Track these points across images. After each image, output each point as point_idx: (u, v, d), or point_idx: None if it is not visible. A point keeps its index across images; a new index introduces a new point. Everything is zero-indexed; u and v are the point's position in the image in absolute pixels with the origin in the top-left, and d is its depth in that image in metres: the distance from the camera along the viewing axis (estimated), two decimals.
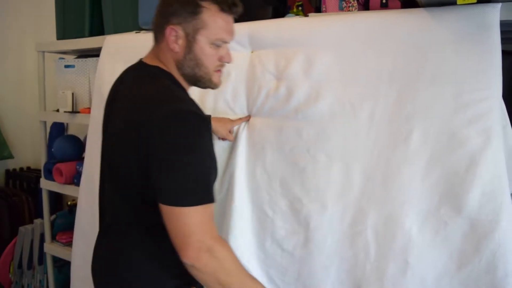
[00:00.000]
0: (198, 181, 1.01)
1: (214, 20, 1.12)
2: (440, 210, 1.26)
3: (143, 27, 1.85)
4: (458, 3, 1.18)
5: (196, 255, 0.97)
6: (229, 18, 1.17)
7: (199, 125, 1.04)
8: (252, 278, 1.09)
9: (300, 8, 1.62)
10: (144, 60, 1.20)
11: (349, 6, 1.51)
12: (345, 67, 1.39)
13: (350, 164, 1.37)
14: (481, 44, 1.24)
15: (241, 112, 1.57)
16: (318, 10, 1.57)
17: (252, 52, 1.56)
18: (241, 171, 1.53)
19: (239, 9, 1.17)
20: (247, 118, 1.55)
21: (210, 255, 0.98)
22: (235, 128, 1.56)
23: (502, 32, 1.27)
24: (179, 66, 1.15)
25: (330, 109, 1.39)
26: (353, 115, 1.36)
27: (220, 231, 1.52)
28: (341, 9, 1.52)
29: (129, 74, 1.22)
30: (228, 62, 1.22)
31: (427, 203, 1.28)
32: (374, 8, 1.46)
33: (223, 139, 1.55)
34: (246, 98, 1.55)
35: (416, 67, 1.30)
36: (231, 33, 1.19)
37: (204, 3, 1.11)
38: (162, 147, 1.00)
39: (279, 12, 1.66)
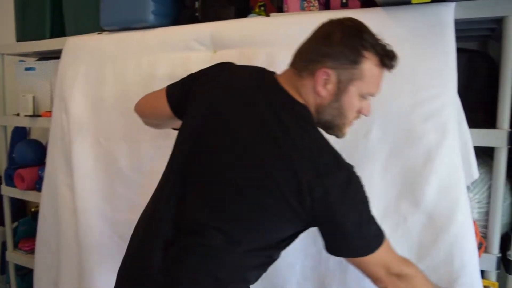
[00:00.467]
0: (376, 224, 1.04)
1: (371, 73, 1.03)
2: (400, 205, 1.30)
3: (105, 28, 1.83)
4: (412, 2, 1.21)
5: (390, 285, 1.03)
6: (384, 72, 1.08)
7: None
8: None
9: (262, 8, 1.64)
10: (284, 86, 1.07)
11: (310, 6, 1.53)
12: None
13: None
14: (436, 42, 1.28)
15: None
16: (280, 10, 1.58)
17: (215, 52, 1.57)
18: None
19: (396, 63, 1.08)
20: None
21: (400, 280, 1.04)
22: None
23: (457, 31, 1.31)
24: (320, 111, 1.05)
25: None
26: None
27: None
28: (302, 9, 1.54)
29: (262, 94, 1.07)
30: (365, 115, 1.13)
31: (387, 198, 1.31)
32: (335, 8, 1.49)
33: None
34: None
35: None
36: (380, 87, 1.10)
37: (366, 53, 1.01)
38: (347, 212, 0.99)
39: (242, 12, 1.66)
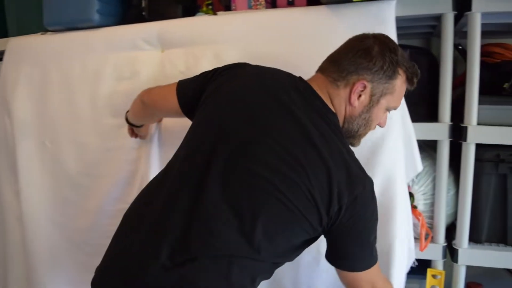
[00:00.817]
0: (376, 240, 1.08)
1: (400, 89, 1.09)
2: None
3: (49, 28, 1.77)
4: (354, 0, 1.24)
5: None
6: (404, 88, 1.13)
7: None
8: None
9: (210, 6, 1.63)
10: (318, 92, 1.07)
11: (257, 4, 1.54)
12: (253, 62, 1.40)
13: None
14: None
15: None
16: (227, 8, 1.58)
17: (162, 51, 1.54)
18: (154, 174, 1.50)
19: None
20: (159, 120, 1.53)
21: None
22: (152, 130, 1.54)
23: (401, 28, 1.35)
24: (349, 120, 1.08)
25: None
26: None
27: None
28: (249, 7, 1.54)
29: (298, 97, 1.06)
30: (381, 127, 1.17)
31: None
32: (281, 6, 1.50)
33: (140, 137, 1.51)
34: None
35: (317, 60, 1.33)
36: (401, 100, 1.16)
37: (400, 70, 1.07)
38: (367, 223, 1.03)
39: (189, 11, 1.65)
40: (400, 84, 1.08)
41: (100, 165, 1.62)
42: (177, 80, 1.48)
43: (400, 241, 1.26)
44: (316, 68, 1.23)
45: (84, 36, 1.65)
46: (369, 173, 1.26)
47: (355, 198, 0.98)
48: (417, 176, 1.44)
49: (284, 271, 1.36)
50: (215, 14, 1.58)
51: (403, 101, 1.33)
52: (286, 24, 1.41)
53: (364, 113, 1.07)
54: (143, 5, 1.65)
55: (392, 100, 1.09)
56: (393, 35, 1.30)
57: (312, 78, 1.13)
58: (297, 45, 1.38)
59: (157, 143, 1.53)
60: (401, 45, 1.33)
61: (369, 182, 1.03)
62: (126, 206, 1.18)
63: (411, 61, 1.55)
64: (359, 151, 1.28)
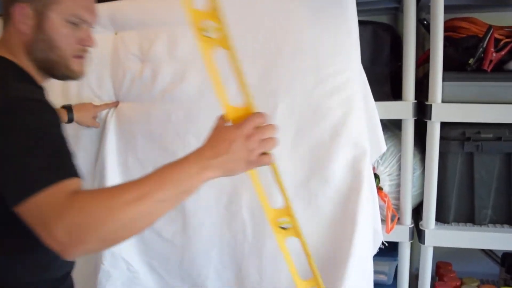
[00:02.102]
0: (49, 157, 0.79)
1: None
2: (310, 182, 1.27)
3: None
4: None
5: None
6: None
7: (37, 109, 0.84)
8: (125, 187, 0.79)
9: None
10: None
11: None
12: None
13: None
14: (338, 18, 1.25)
15: (109, 99, 1.47)
16: None
17: (115, 33, 1.47)
18: (113, 162, 1.44)
19: None
20: (115, 104, 1.46)
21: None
22: (103, 116, 1.47)
23: (366, 3, 1.30)
24: (30, 50, 0.96)
25: (196, 90, 1.35)
26: None
27: None
28: None
29: None
30: (90, 46, 1.04)
31: (297, 176, 1.28)
32: None
33: (88, 126, 1.44)
34: (111, 83, 1.46)
35: (277, 42, 1.28)
36: (90, 11, 1.01)
37: None
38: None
39: None
40: None
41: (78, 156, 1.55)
42: (131, 63, 1.42)
43: (362, 224, 1.22)
44: (272, 54, 1.22)
45: None
46: (330, 158, 1.24)
47: None
48: (381, 156, 1.41)
49: (249, 259, 1.34)
50: None
51: (364, 80, 1.29)
52: (243, 4, 1.34)
53: (38, 34, 0.95)
54: None
55: (63, 8, 0.96)
56: (352, 12, 1.24)
57: None
58: (254, 26, 1.31)
59: (114, 131, 1.46)
60: (363, 22, 1.29)
61: None
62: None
63: (371, 37, 1.52)
64: (319, 132, 1.26)
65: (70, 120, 1.41)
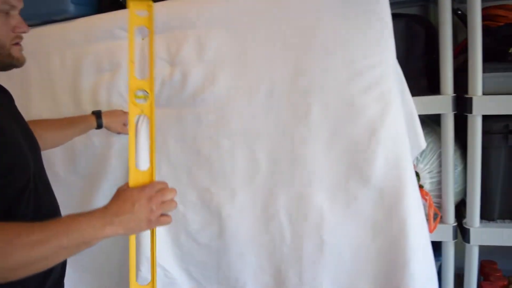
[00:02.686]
0: None
1: None
2: (349, 183, 1.23)
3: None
4: None
5: None
6: None
7: None
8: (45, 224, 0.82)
9: None
10: None
11: None
12: (238, 46, 1.32)
13: (254, 147, 1.31)
14: (370, 10, 1.20)
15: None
16: None
17: (142, 39, 1.45)
18: (145, 168, 1.43)
19: None
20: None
21: None
22: (135, 122, 1.46)
23: None
24: None
25: (227, 92, 1.32)
26: (251, 96, 1.30)
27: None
28: None
29: None
30: (25, 32, 1.03)
31: (335, 177, 1.24)
32: None
33: (119, 133, 1.44)
34: None
35: (307, 39, 1.25)
36: None
37: None
38: None
39: None
40: None
41: (89, 163, 1.55)
42: (160, 68, 1.41)
43: (413, 225, 1.18)
44: (303, 51, 1.19)
45: (60, 28, 1.56)
46: (369, 158, 1.20)
47: None
48: (421, 153, 1.36)
49: (288, 263, 1.31)
50: None
51: (400, 73, 1.25)
52: (269, 2, 1.31)
53: None
54: None
55: None
56: (385, 4, 1.20)
57: None
58: (283, 25, 1.28)
59: (145, 137, 1.44)
60: (395, 14, 1.24)
61: None
62: None
63: (405, 30, 1.47)
64: (355, 130, 1.22)
65: (100, 126, 1.41)
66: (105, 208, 0.88)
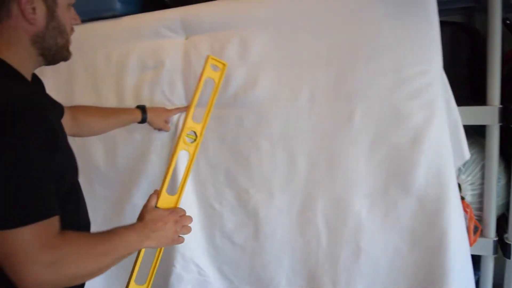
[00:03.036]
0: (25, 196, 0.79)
1: None
2: (389, 190, 1.22)
3: None
4: None
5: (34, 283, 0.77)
6: None
7: (23, 127, 0.79)
8: (102, 238, 0.90)
9: None
10: None
11: None
12: (282, 48, 1.32)
13: (294, 149, 1.31)
14: (418, 17, 1.19)
15: (180, 102, 1.48)
16: None
17: (186, 38, 1.47)
18: (184, 166, 1.45)
19: None
20: (186, 108, 1.47)
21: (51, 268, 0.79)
22: (174, 120, 1.48)
23: (440, 3, 1.23)
24: (38, 40, 0.93)
25: (269, 94, 1.33)
26: (293, 98, 1.30)
27: None
28: None
29: None
30: (77, 24, 1.04)
31: (375, 183, 1.24)
32: None
33: (160, 129, 1.46)
34: (183, 87, 1.46)
35: (353, 44, 1.24)
36: None
37: None
38: None
39: None
40: None
41: (129, 158, 1.58)
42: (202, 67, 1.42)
43: (454, 236, 1.16)
44: (348, 56, 1.19)
45: (106, 26, 1.60)
46: (410, 165, 1.19)
47: None
48: (464, 164, 1.33)
49: (323, 268, 1.31)
50: None
51: (446, 82, 1.22)
52: (315, 5, 1.31)
53: (51, 21, 0.94)
54: None
55: None
56: (433, 12, 1.18)
57: None
58: (329, 29, 1.27)
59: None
60: (441, 22, 1.22)
61: None
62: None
63: (451, 38, 1.44)
64: (398, 138, 1.21)
65: (144, 120, 1.43)
66: (142, 224, 1.00)
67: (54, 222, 0.81)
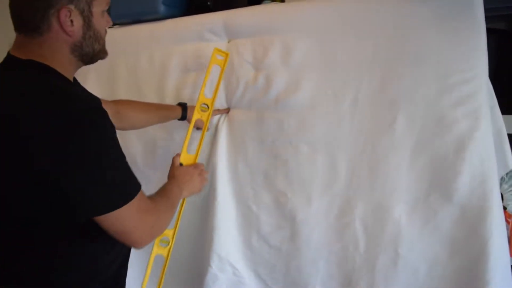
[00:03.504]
0: (119, 180, 0.92)
1: None
2: (430, 197, 1.22)
3: (116, 22, 1.77)
4: None
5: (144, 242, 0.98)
6: None
7: (98, 121, 0.88)
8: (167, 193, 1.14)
9: None
10: (14, 54, 0.97)
11: None
12: (325, 53, 1.33)
13: (335, 154, 1.32)
14: (465, 23, 1.19)
15: (220, 105, 1.50)
16: None
17: (228, 41, 1.50)
18: (223, 167, 1.47)
19: None
20: (226, 111, 1.49)
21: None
22: (215, 121, 1.50)
23: (486, 10, 1.22)
24: (77, 49, 0.98)
25: (311, 98, 1.34)
26: (335, 103, 1.31)
27: (205, 228, 1.47)
28: None
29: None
30: (110, 27, 1.09)
31: (416, 190, 1.23)
32: None
33: (198, 129, 1.48)
34: (224, 90, 1.49)
35: (398, 49, 1.24)
36: None
37: None
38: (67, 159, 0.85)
39: None
40: None
41: (167, 158, 1.61)
42: (244, 71, 1.44)
43: (495, 246, 1.15)
44: (393, 62, 1.21)
45: (150, 28, 1.63)
46: (453, 173, 1.18)
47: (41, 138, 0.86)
48: (507, 174, 1.31)
49: (360, 273, 1.31)
50: (282, 1, 1.51)
51: (491, 90, 1.21)
52: (360, 11, 1.31)
53: (87, 31, 0.98)
54: None
55: (101, 1, 1.00)
56: (481, 18, 1.18)
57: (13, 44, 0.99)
58: (373, 34, 1.28)
59: (225, 137, 1.49)
60: (487, 29, 1.21)
61: (60, 115, 0.85)
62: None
63: (496, 46, 1.43)
64: (442, 145, 1.20)
65: (184, 117, 1.47)
66: (175, 180, 1.23)
67: (142, 192, 0.96)
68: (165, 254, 1.29)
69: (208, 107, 1.39)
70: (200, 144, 1.37)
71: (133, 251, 1.14)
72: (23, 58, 0.94)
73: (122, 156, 0.93)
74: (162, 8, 1.60)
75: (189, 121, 1.47)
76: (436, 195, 1.21)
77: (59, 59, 0.97)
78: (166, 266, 1.29)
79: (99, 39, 1.02)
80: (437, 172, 1.20)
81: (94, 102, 0.93)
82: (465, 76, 1.17)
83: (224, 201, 1.46)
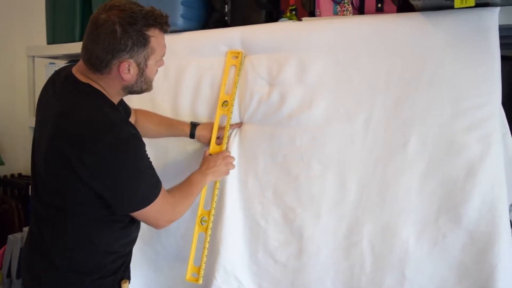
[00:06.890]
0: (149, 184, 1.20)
1: (159, 43, 1.18)
2: (439, 220, 1.22)
3: None
4: (455, 6, 1.14)
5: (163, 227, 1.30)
6: (164, 34, 1.22)
7: (135, 145, 1.15)
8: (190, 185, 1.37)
9: (293, 12, 1.58)
10: (76, 74, 1.19)
11: (343, 10, 1.47)
12: (340, 72, 1.35)
13: (345, 172, 1.33)
14: (480, 49, 1.20)
15: (233, 119, 1.52)
16: (312, 14, 1.52)
17: (244, 57, 1.52)
18: (233, 180, 1.48)
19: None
20: (239, 125, 1.51)
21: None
22: (231, 136, 1.52)
23: (501, 37, 1.23)
24: (127, 87, 1.21)
25: (324, 116, 1.35)
26: (348, 122, 1.32)
27: (212, 240, 1.48)
28: (335, 13, 1.47)
29: (59, 85, 1.23)
30: (161, 66, 1.28)
31: (425, 213, 1.24)
32: (369, 13, 1.42)
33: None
34: (238, 104, 1.51)
35: (413, 72, 1.26)
36: (165, 46, 1.25)
37: (149, 32, 1.14)
38: (112, 176, 1.13)
39: (272, 16, 1.61)
40: (156, 41, 1.17)
41: (176, 167, 1.62)
42: (258, 86, 1.45)
43: (503, 272, 1.15)
44: (407, 84, 1.25)
45: (167, 40, 1.64)
46: (463, 197, 1.19)
47: (92, 155, 1.13)
48: None
49: None
50: (299, 20, 1.53)
51: (503, 116, 1.22)
52: (376, 32, 1.33)
53: (139, 78, 1.19)
54: (226, 10, 1.64)
55: (158, 55, 1.20)
56: (496, 45, 1.19)
57: (78, 65, 1.22)
58: (388, 55, 1.29)
59: (237, 151, 1.50)
60: (502, 57, 1.22)
61: (109, 140, 1.11)
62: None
63: (509, 73, 1.43)
64: (453, 168, 1.21)
65: (192, 136, 1.51)
66: (200, 168, 1.43)
67: (162, 192, 1.22)
68: (205, 231, 1.47)
69: (229, 102, 1.51)
70: (225, 134, 1.49)
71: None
72: (83, 80, 1.16)
73: (150, 168, 1.20)
74: (180, 22, 1.63)
75: (200, 140, 1.54)
76: (445, 218, 1.21)
77: (112, 91, 1.20)
78: (207, 242, 1.46)
79: (148, 82, 1.23)
80: (447, 196, 1.21)
81: (134, 128, 1.18)
82: (478, 101, 1.19)
83: (232, 214, 1.48)
